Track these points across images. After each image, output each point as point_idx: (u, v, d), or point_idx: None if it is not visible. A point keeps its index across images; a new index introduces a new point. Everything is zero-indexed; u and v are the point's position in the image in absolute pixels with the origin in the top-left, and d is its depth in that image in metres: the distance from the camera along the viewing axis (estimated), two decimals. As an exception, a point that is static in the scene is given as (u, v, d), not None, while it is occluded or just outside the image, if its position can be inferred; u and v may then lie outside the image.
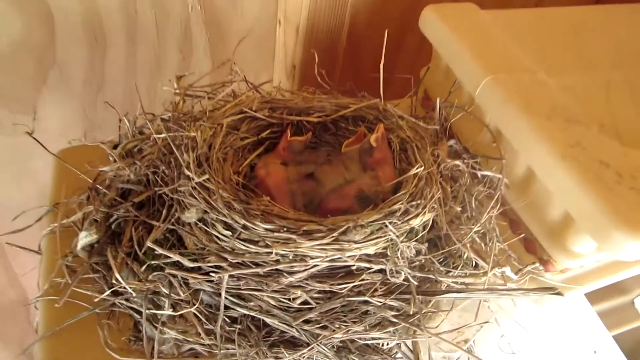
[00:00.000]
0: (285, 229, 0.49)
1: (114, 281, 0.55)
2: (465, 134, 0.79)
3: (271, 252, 0.49)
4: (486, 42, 0.73)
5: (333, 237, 0.49)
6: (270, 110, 0.66)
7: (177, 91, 0.71)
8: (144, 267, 0.54)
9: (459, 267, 0.59)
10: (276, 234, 0.49)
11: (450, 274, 0.56)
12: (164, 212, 0.56)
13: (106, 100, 1.02)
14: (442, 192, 0.58)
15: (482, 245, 0.65)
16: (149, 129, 0.69)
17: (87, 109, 1.03)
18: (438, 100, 0.76)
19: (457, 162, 0.63)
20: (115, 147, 0.69)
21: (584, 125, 0.63)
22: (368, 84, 0.82)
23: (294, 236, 0.49)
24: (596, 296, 0.77)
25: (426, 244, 0.55)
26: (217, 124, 0.61)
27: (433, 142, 0.71)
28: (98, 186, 0.65)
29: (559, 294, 0.49)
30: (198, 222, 0.53)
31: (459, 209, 0.59)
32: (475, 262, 0.60)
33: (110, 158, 0.67)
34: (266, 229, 0.49)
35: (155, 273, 0.53)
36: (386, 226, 0.50)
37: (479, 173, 0.68)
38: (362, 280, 0.51)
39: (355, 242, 0.49)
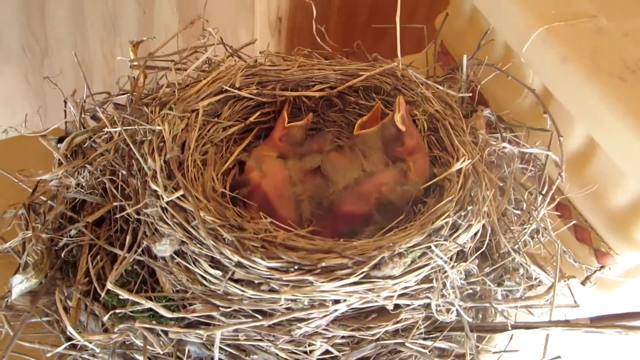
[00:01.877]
0: (296, 267, 0.35)
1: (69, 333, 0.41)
2: (498, 98, 0.64)
3: (279, 299, 0.35)
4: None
5: (363, 272, 0.36)
6: (258, 85, 0.51)
7: (135, 63, 0.54)
8: (110, 313, 0.41)
9: (508, 279, 0.46)
10: (284, 275, 0.35)
11: (507, 295, 0.43)
12: (128, 237, 0.42)
13: (54, 68, 0.85)
14: (492, 189, 0.44)
15: (531, 241, 0.52)
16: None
17: (32, 79, 0.85)
18: (465, 57, 0.61)
19: (505, 143, 0.49)
20: (60, 140, 0.53)
21: (666, 87, 0.49)
22: (363, 39, 0.65)
23: (309, 277, 0.35)
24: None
25: (476, 261, 0.42)
26: (190, 110, 0.45)
27: (464, 114, 0.57)
28: (42, 197, 0.50)
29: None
30: (175, 256, 0.39)
31: (514, 210, 0.46)
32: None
33: (55, 158, 0.52)
34: (270, 268, 0.36)
35: (122, 326, 0.39)
36: (432, 251, 0.37)
37: (525, 151, 0.55)
38: (399, 322, 0.38)
39: (392, 278, 0.36)
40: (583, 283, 0.47)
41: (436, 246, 0.37)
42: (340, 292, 0.36)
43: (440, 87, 0.55)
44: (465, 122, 0.51)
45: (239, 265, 0.36)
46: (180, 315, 0.38)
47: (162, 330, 0.40)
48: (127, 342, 0.42)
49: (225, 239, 0.37)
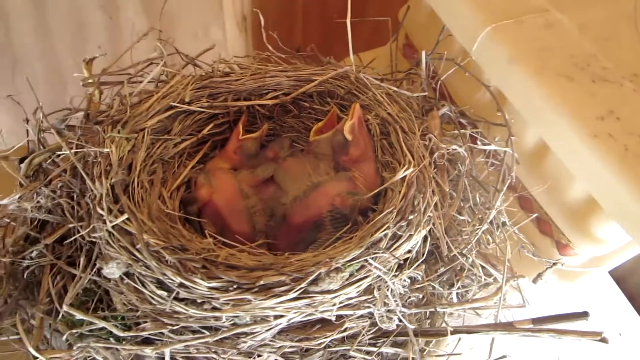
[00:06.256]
0: (235, 286, 0.37)
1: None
2: (460, 91, 0.64)
3: (220, 317, 0.37)
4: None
5: (300, 288, 0.37)
6: (209, 97, 0.51)
7: (90, 81, 0.55)
8: (67, 333, 0.42)
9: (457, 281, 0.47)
10: (224, 295, 0.36)
11: (462, 295, 0.44)
12: (83, 258, 0.43)
13: (25, 76, 0.84)
14: (438, 193, 0.45)
15: (489, 238, 0.53)
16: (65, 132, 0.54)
17: (4, 89, 0.85)
18: (423, 53, 0.60)
19: (455, 146, 0.49)
20: (21, 161, 0.54)
21: (615, 82, 0.49)
22: (336, 32, 0.65)
23: (248, 295, 0.36)
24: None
25: (423, 265, 0.43)
26: (138, 129, 0.46)
27: (421, 111, 0.57)
28: (6, 219, 0.52)
29: (603, 340, 0.38)
30: (125, 277, 0.40)
31: (458, 216, 0.46)
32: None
33: (17, 180, 0.53)
34: (210, 288, 0.37)
35: (80, 344, 0.41)
36: (369, 264, 0.38)
37: (480, 147, 0.55)
38: (344, 330, 0.40)
39: (330, 292, 0.37)
40: (534, 281, 0.48)
41: (374, 259, 0.38)
42: (279, 309, 0.37)
43: (395, 89, 0.55)
44: (418, 124, 0.51)
45: (181, 285, 0.37)
46: (132, 334, 0.39)
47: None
48: (88, 358, 0.43)
49: (168, 261, 0.38)
